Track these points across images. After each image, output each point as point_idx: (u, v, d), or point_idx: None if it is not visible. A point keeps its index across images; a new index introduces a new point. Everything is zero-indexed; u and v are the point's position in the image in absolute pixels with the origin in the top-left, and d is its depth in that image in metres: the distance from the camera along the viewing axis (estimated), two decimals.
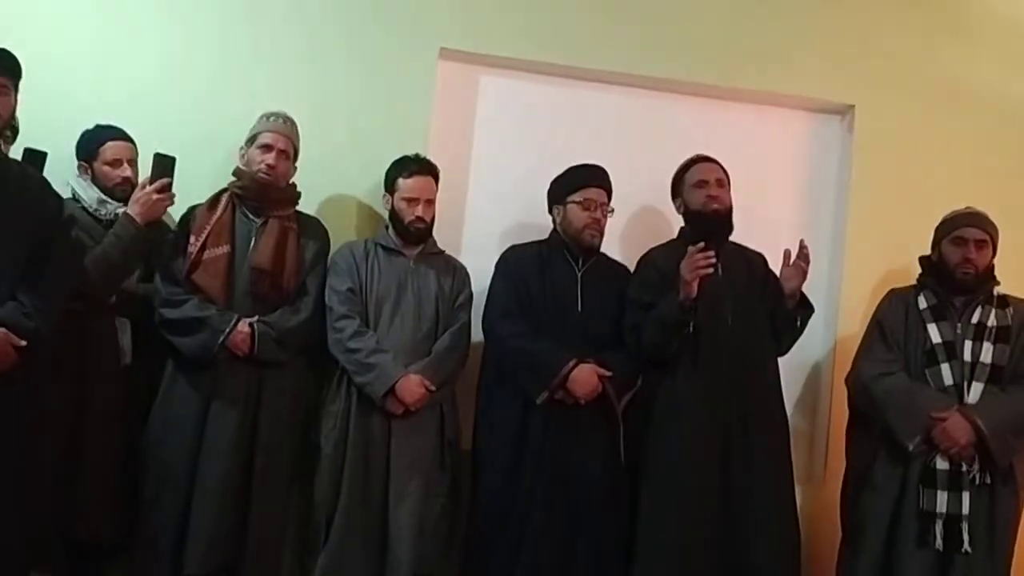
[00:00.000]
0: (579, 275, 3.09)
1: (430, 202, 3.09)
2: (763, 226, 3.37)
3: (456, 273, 3.16)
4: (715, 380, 2.95)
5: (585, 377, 2.92)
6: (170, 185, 2.77)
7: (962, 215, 3.06)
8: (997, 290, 3.04)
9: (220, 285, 2.92)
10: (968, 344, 2.95)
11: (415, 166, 3.09)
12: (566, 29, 3.47)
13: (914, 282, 3.14)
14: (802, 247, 3.01)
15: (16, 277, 2.43)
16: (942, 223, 3.10)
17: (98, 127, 2.97)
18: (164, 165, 2.77)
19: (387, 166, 3.12)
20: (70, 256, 2.59)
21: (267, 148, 2.99)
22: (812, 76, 3.58)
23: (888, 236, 3.39)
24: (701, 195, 3.07)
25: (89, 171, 2.93)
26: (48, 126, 2.89)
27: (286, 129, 3.03)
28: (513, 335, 2.98)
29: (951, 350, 2.95)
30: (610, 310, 3.08)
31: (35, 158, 2.75)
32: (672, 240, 3.19)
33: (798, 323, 3.09)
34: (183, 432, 2.87)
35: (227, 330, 2.85)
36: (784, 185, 3.63)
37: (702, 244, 2.84)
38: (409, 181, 3.07)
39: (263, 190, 2.99)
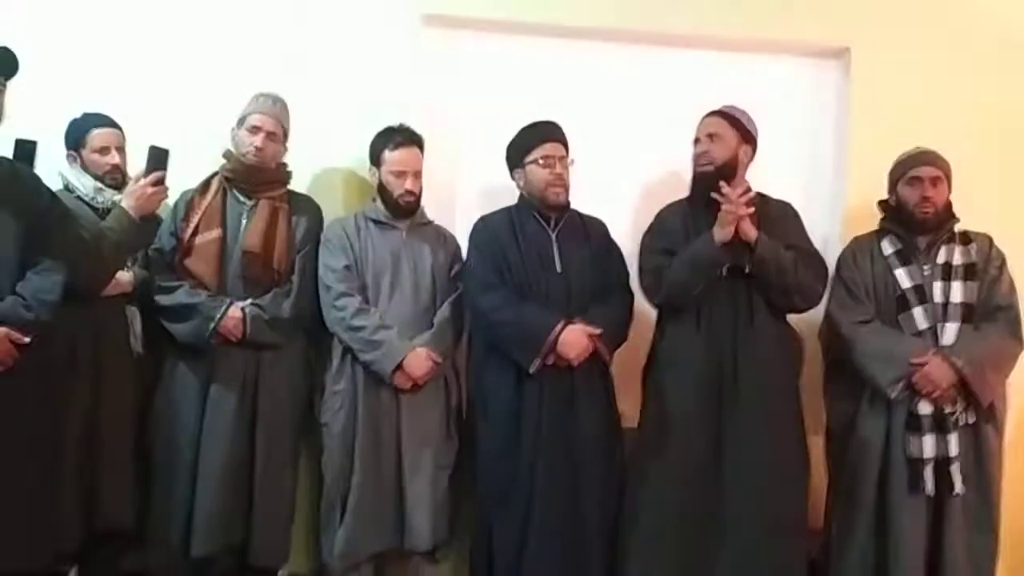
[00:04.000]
0: (553, 235, 3.03)
1: (418, 174, 3.06)
2: (763, 174, 3.22)
3: (448, 243, 3.15)
4: (711, 333, 2.91)
5: (575, 338, 2.88)
6: (164, 178, 2.73)
7: (913, 155, 3.02)
8: (958, 227, 3.00)
9: (212, 270, 2.92)
10: (937, 285, 2.94)
11: (400, 137, 3.04)
12: None
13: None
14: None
15: (14, 271, 2.42)
16: (895, 166, 3.06)
17: (85, 115, 2.93)
18: (159, 158, 2.72)
19: (373, 136, 3.07)
20: (67, 246, 2.54)
21: (255, 130, 2.97)
22: (806, 20, 3.49)
23: None
24: (694, 154, 3.03)
25: (78, 160, 2.89)
26: (38, 118, 2.80)
27: (275, 110, 3.00)
28: (495, 307, 2.92)
29: (921, 293, 2.93)
30: (589, 265, 3.04)
31: (25, 148, 2.67)
32: (681, 200, 3.12)
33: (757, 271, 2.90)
34: (185, 418, 2.89)
35: (218, 316, 2.86)
36: (783, 132, 3.48)
37: (746, 185, 2.87)
38: (395, 154, 3.02)
39: (251, 172, 2.98)
